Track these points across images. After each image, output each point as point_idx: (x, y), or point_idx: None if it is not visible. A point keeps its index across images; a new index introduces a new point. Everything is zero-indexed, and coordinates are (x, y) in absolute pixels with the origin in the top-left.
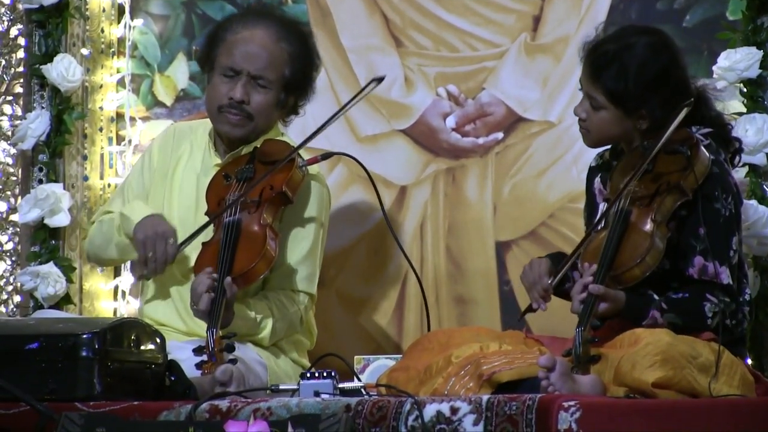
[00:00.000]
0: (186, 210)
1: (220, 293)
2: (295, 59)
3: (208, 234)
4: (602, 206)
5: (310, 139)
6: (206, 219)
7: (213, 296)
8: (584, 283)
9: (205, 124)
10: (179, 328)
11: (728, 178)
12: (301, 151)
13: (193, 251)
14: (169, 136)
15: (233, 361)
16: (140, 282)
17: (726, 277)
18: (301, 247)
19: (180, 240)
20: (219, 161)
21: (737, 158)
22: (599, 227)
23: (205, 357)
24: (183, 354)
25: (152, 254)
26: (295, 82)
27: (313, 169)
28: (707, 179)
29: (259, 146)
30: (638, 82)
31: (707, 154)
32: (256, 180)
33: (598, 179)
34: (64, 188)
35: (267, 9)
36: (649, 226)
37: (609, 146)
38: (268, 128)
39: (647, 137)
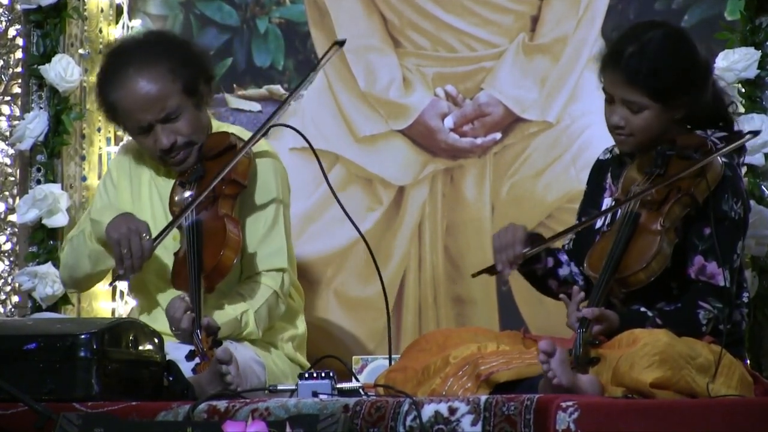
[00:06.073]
0: (159, 226)
1: (196, 291)
2: (177, 69)
3: (177, 245)
4: (606, 202)
5: (268, 122)
6: (178, 230)
7: (193, 316)
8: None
9: None
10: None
11: (739, 183)
12: (245, 135)
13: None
14: (124, 157)
15: None
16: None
17: (723, 279)
18: (262, 226)
19: (153, 234)
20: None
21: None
22: (605, 227)
23: (198, 359)
24: (180, 354)
25: (127, 251)
26: (192, 79)
27: (260, 146)
28: (719, 182)
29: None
30: (673, 72)
31: (720, 160)
32: (208, 177)
33: (609, 175)
34: (62, 188)
35: (125, 52)
36: (657, 231)
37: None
38: (208, 128)
39: (680, 128)
